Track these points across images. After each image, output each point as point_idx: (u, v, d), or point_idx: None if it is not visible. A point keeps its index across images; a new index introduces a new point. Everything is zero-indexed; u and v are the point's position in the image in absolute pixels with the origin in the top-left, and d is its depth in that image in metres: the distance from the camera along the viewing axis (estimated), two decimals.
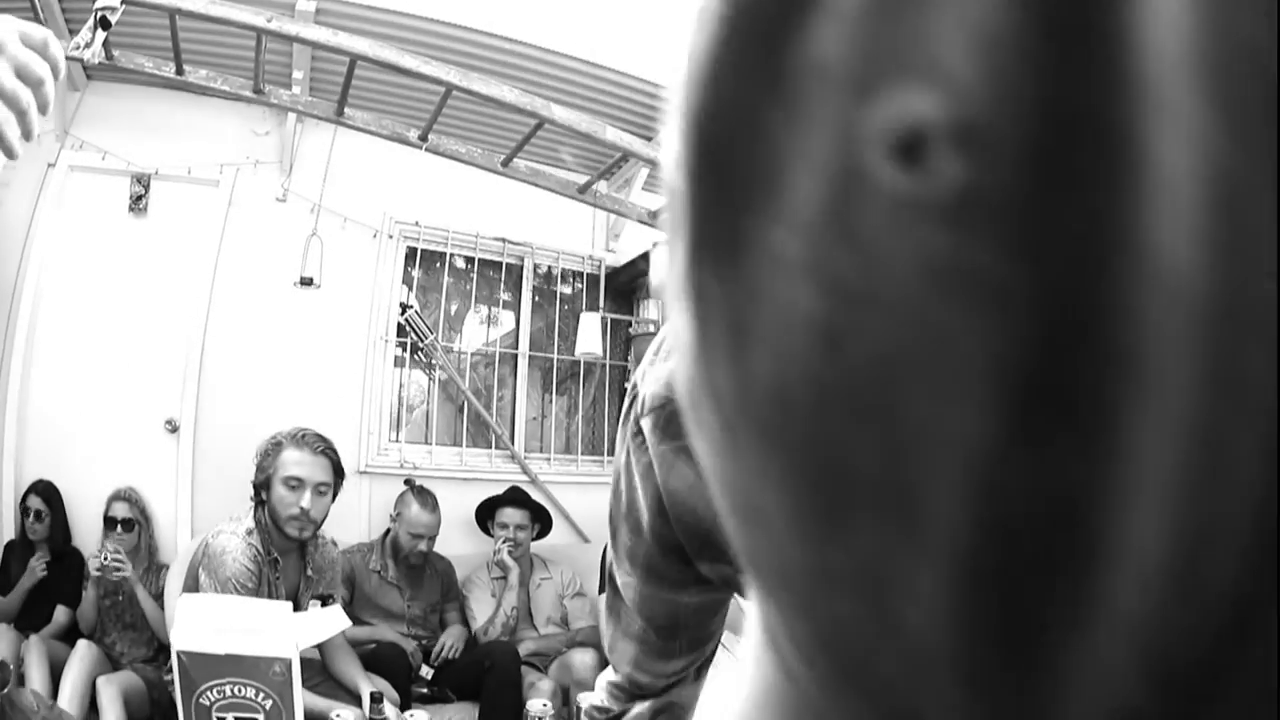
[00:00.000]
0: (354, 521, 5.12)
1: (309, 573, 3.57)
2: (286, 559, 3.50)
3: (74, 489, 4.79)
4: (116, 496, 4.61)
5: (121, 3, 3.63)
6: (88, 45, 3.67)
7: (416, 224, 5.79)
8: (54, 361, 5.10)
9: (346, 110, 4.72)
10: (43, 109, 1.20)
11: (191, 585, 3.38)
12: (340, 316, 5.57)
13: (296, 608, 3.36)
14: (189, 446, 5.13)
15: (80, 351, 5.11)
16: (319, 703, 3.00)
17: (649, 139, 5.37)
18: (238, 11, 3.93)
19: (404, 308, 5.70)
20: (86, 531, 4.72)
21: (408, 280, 5.84)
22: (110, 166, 5.21)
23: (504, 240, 6.00)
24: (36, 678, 4.01)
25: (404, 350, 5.81)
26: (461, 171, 5.25)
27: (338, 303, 5.54)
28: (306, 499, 3.40)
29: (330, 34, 4.12)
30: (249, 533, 3.36)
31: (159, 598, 4.31)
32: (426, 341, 5.70)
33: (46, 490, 4.72)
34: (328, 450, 3.59)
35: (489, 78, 4.45)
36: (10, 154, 1.13)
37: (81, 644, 4.08)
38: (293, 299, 5.34)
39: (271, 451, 3.53)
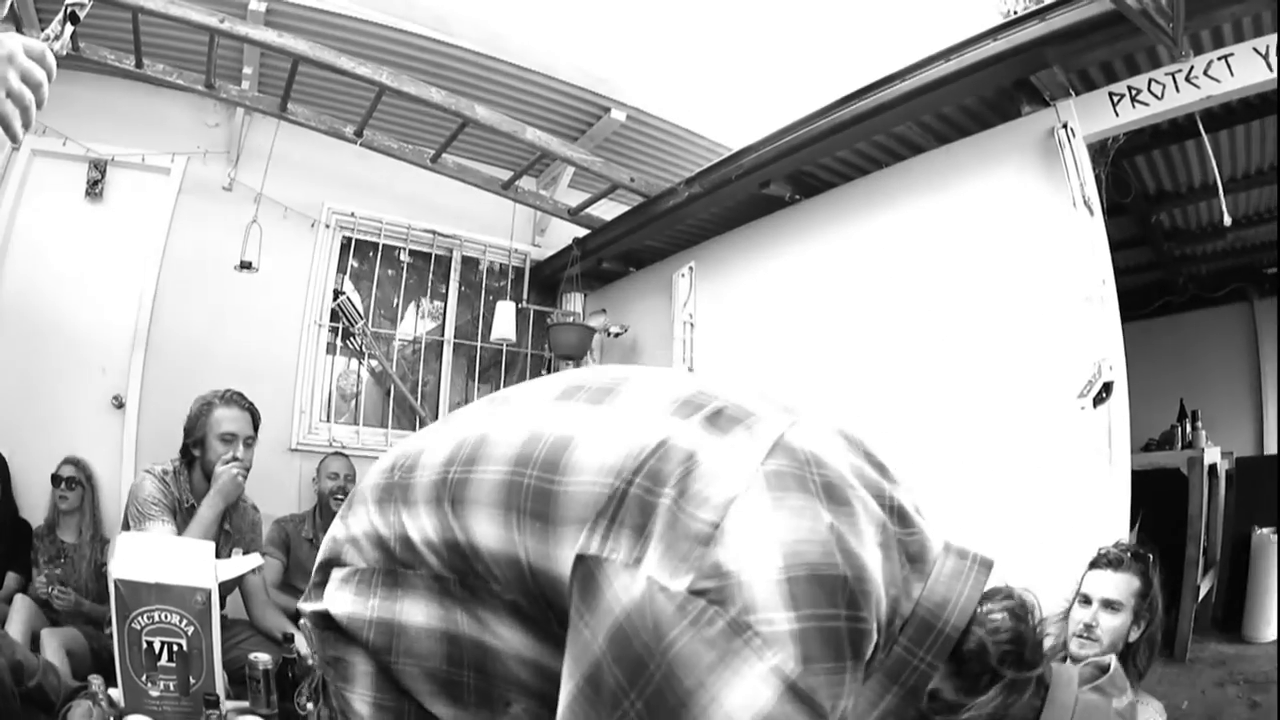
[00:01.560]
0: (287, 495, 5.97)
1: (227, 526, 4.24)
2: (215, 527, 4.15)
3: (24, 462, 5.46)
4: (66, 460, 5.28)
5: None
6: (57, 38, 4.16)
7: (352, 215, 6.70)
8: (8, 340, 5.77)
9: (290, 106, 5.79)
10: (40, 105, 1.55)
11: (125, 525, 4.00)
12: (278, 302, 6.41)
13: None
14: (134, 422, 5.85)
15: (34, 331, 5.80)
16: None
17: (574, 139, 6.50)
18: (193, 12, 4.89)
19: (336, 294, 6.57)
20: (35, 504, 5.39)
21: (342, 268, 6.70)
22: (71, 152, 5.98)
23: (434, 233, 6.94)
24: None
25: (336, 335, 6.62)
26: (398, 166, 6.28)
27: (276, 288, 6.37)
28: (240, 449, 4.15)
29: (275, 35, 5.15)
30: (164, 473, 4.10)
31: (102, 568, 4.80)
32: (357, 327, 6.60)
33: None
34: (251, 407, 4.32)
35: (419, 79, 5.49)
36: (15, 140, 1.51)
37: (19, 599, 4.64)
38: (235, 284, 6.06)
39: (204, 411, 4.22)
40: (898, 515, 1.21)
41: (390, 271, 6.98)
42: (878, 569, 1.10)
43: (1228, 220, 4.21)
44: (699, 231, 5.89)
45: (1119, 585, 2.98)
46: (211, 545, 3.09)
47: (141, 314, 6.01)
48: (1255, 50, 3.48)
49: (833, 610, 1.02)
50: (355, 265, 6.82)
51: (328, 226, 6.63)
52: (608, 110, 6.35)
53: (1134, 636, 2.97)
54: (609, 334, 6.52)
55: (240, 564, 3.68)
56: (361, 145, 5.98)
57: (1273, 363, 7.47)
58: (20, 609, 4.54)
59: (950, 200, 4.31)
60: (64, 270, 5.91)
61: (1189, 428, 6.71)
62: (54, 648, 3.72)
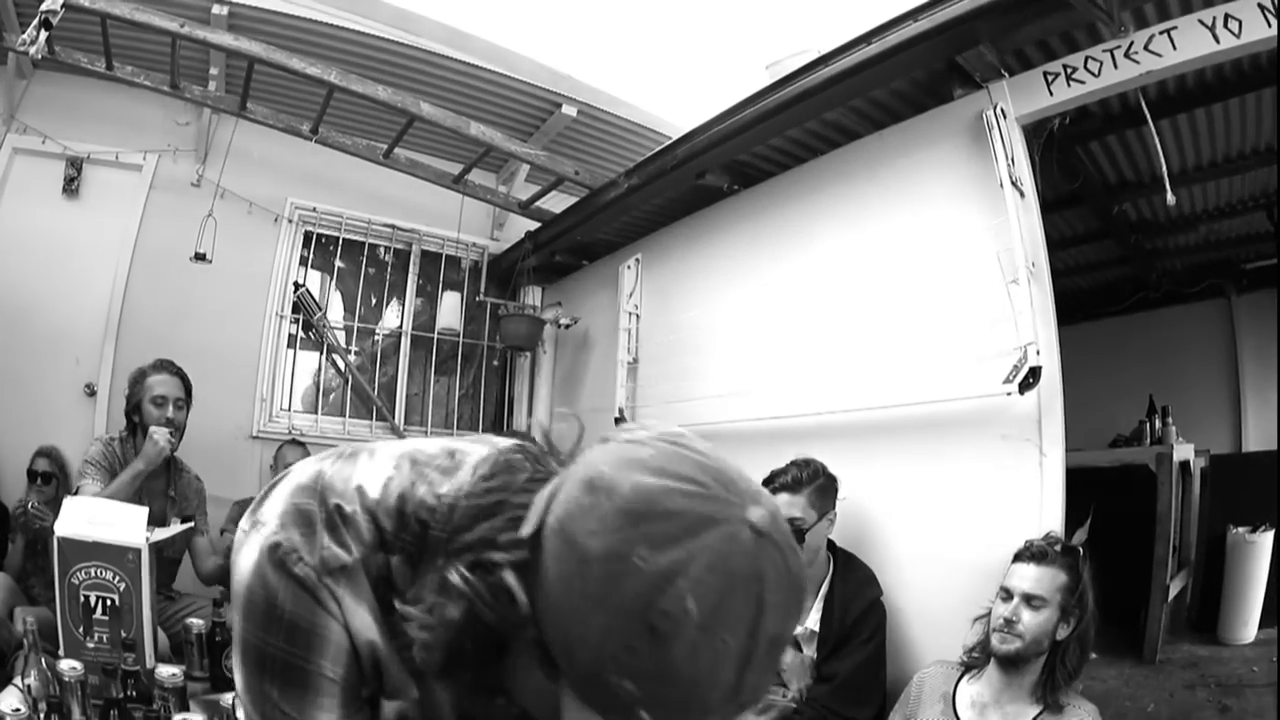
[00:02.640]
0: (248, 479, 5.78)
1: (171, 493, 4.32)
2: (153, 483, 4.21)
3: (2, 450, 5.39)
4: (39, 453, 5.02)
5: (62, 6, 4.41)
6: (32, 42, 4.42)
7: (314, 210, 6.48)
8: None
9: (250, 105, 5.55)
10: None
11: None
12: (243, 294, 6.23)
13: (163, 525, 4.08)
14: (105, 409, 5.70)
15: (11, 324, 5.72)
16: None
17: (528, 135, 6.19)
18: (156, 17, 4.74)
19: (296, 286, 6.39)
20: (11, 488, 5.24)
21: (304, 261, 6.53)
22: (49, 150, 5.87)
23: (394, 227, 6.68)
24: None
25: (297, 327, 6.47)
26: (358, 163, 6.01)
27: (241, 281, 6.20)
28: (170, 411, 4.25)
29: (232, 39, 4.93)
30: (111, 439, 4.30)
31: None
32: (316, 318, 6.40)
33: None
34: (180, 372, 4.39)
35: (370, 78, 5.20)
36: None
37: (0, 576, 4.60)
38: (202, 277, 5.94)
39: (138, 379, 4.34)
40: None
41: (350, 265, 6.75)
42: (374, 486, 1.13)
43: (1171, 200, 3.66)
44: (645, 224, 5.51)
45: (1042, 579, 2.71)
46: (144, 510, 3.11)
47: (113, 306, 5.89)
48: (1201, 22, 2.97)
49: (306, 500, 1.12)
50: (315, 258, 6.63)
51: (290, 221, 6.42)
52: (559, 106, 6.02)
53: (1062, 634, 2.69)
54: (560, 326, 6.22)
55: (172, 529, 3.75)
56: (317, 141, 5.72)
57: (1251, 360, 6.86)
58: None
59: (883, 186, 3.89)
60: (41, 265, 5.79)
61: (1159, 424, 6.21)
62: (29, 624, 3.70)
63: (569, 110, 6.01)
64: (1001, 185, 3.23)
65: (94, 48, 5.20)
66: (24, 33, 4.46)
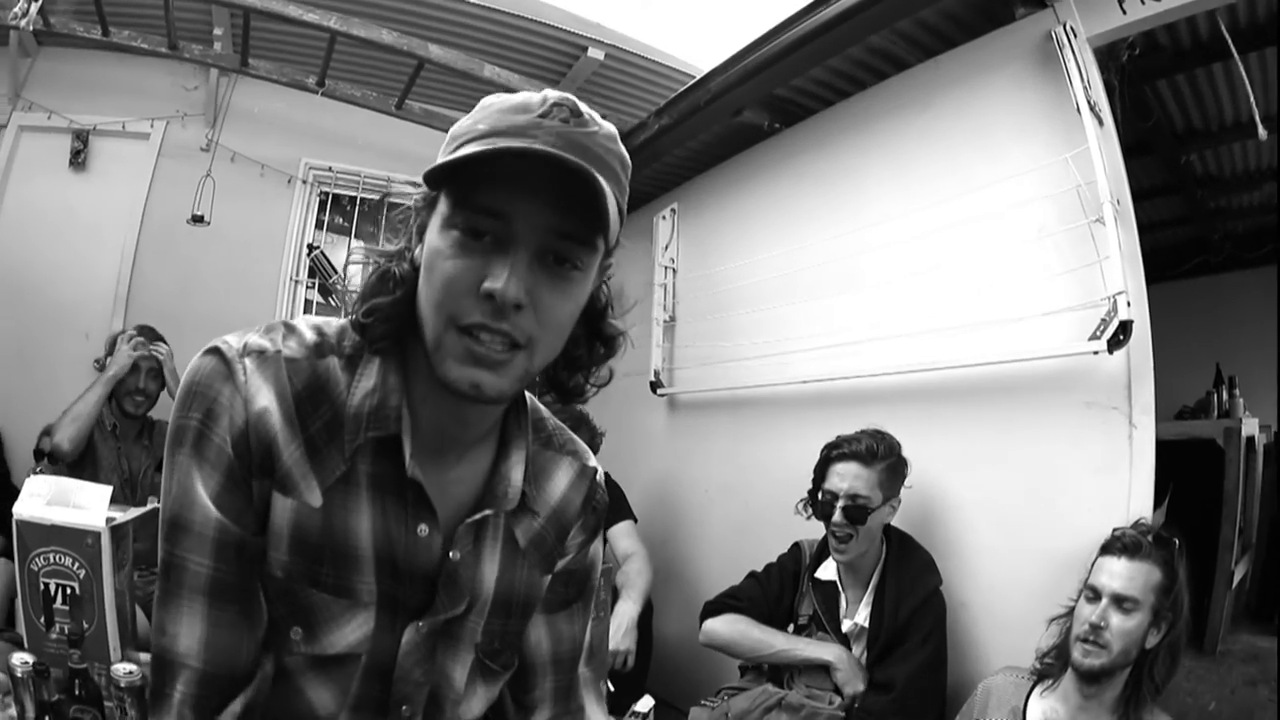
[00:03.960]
0: None
1: (145, 443, 4.44)
2: (133, 444, 4.41)
3: (15, 428, 5.41)
4: (46, 431, 4.94)
5: None
6: (24, 15, 4.32)
7: (330, 170, 6.23)
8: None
9: (251, 61, 5.26)
10: None
11: None
12: (256, 259, 6.06)
13: (137, 486, 4.37)
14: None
15: (21, 300, 5.69)
16: None
17: (555, 82, 5.76)
18: None
19: (311, 249, 6.18)
20: (22, 469, 5.23)
21: (320, 224, 6.32)
22: (54, 125, 5.77)
23: (414, 184, 6.22)
24: None
25: (315, 290, 6.26)
26: (374, 119, 5.73)
27: (254, 246, 6.04)
28: (140, 380, 4.35)
29: None
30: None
31: None
32: (332, 281, 6.14)
33: None
34: (149, 341, 4.44)
35: (369, 22, 4.86)
36: None
37: (2, 561, 4.57)
38: (213, 243, 5.82)
39: (114, 343, 4.48)
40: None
41: (369, 225, 6.51)
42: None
43: (1263, 134, 3.27)
44: (681, 170, 5.16)
45: (1135, 578, 2.34)
46: (108, 489, 2.77)
47: (121, 278, 5.82)
48: None
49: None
50: (332, 219, 6.42)
51: (305, 182, 6.19)
52: (585, 49, 5.62)
53: (1152, 642, 2.34)
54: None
55: (139, 510, 3.36)
56: (324, 95, 5.44)
57: None
58: (3, 570, 4.24)
59: (940, 119, 3.48)
60: (50, 240, 5.76)
61: (1225, 395, 5.74)
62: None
63: (596, 54, 5.62)
64: (1079, 110, 2.83)
65: (87, 16, 5.01)
66: (14, 7, 4.34)
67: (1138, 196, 2.88)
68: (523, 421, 1.33)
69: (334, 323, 1.25)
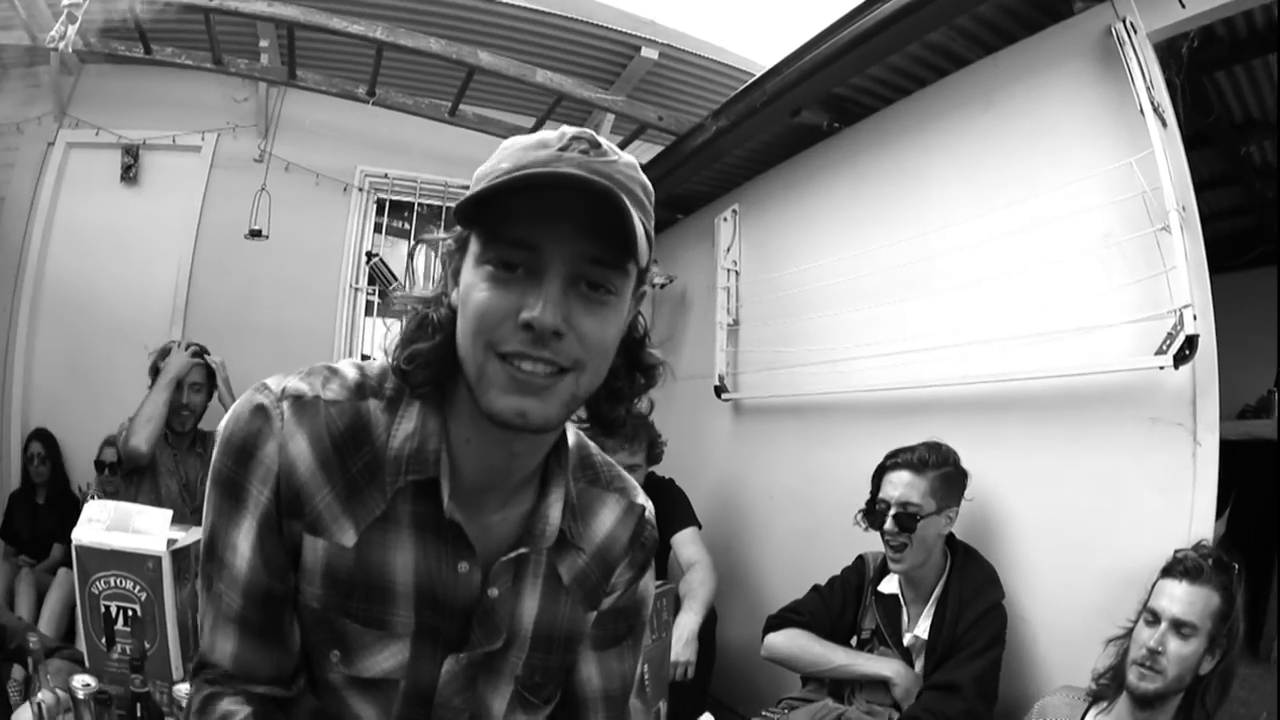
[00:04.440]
0: None
1: (199, 450, 4.68)
2: (187, 453, 4.64)
3: (72, 438, 5.78)
4: (108, 442, 5.35)
5: None
6: (61, 37, 4.56)
7: (386, 176, 6.49)
8: (55, 324, 6.09)
9: (300, 73, 5.51)
10: None
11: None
12: (314, 268, 6.34)
13: (195, 492, 4.55)
14: None
15: (79, 313, 6.04)
16: None
17: (609, 83, 5.97)
18: None
19: (369, 256, 6.44)
20: (83, 476, 5.61)
21: (379, 229, 6.60)
22: (103, 141, 6.10)
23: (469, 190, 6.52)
24: (24, 604, 4.95)
25: (375, 297, 6.53)
26: (428, 124, 5.95)
27: (311, 255, 6.32)
28: (184, 395, 4.55)
29: (265, 5, 4.89)
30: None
31: None
32: (392, 288, 6.27)
33: (44, 436, 5.77)
34: (200, 354, 4.66)
35: (422, 32, 5.06)
36: None
37: (61, 572, 4.96)
38: (270, 254, 6.08)
39: (160, 357, 4.64)
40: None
41: (431, 229, 6.56)
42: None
43: None
44: (741, 171, 5.26)
45: (1195, 603, 2.38)
46: (168, 513, 2.94)
47: (179, 290, 6.17)
48: None
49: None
50: (389, 225, 6.69)
51: (361, 190, 6.48)
52: (638, 49, 5.76)
53: (1206, 668, 2.39)
54: (654, 285, 5.89)
55: (198, 531, 3.59)
56: (375, 104, 5.69)
57: None
58: (62, 581, 4.81)
59: (1002, 118, 3.55)
60: (105, 253, 6.13)
61: None
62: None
63: (650, 53, 5.76)
64: (1142, 112, 2.87)
65: (132, 35, 5.24)
66: (52, 30, 4.59)
67: (1196, 188, 2.95)
68: (563, 460, 1.39)
69: (376, 365, 1.33)
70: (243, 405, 1.27)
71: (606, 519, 1.48)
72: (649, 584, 1.61)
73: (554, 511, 1.36)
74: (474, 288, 1.13)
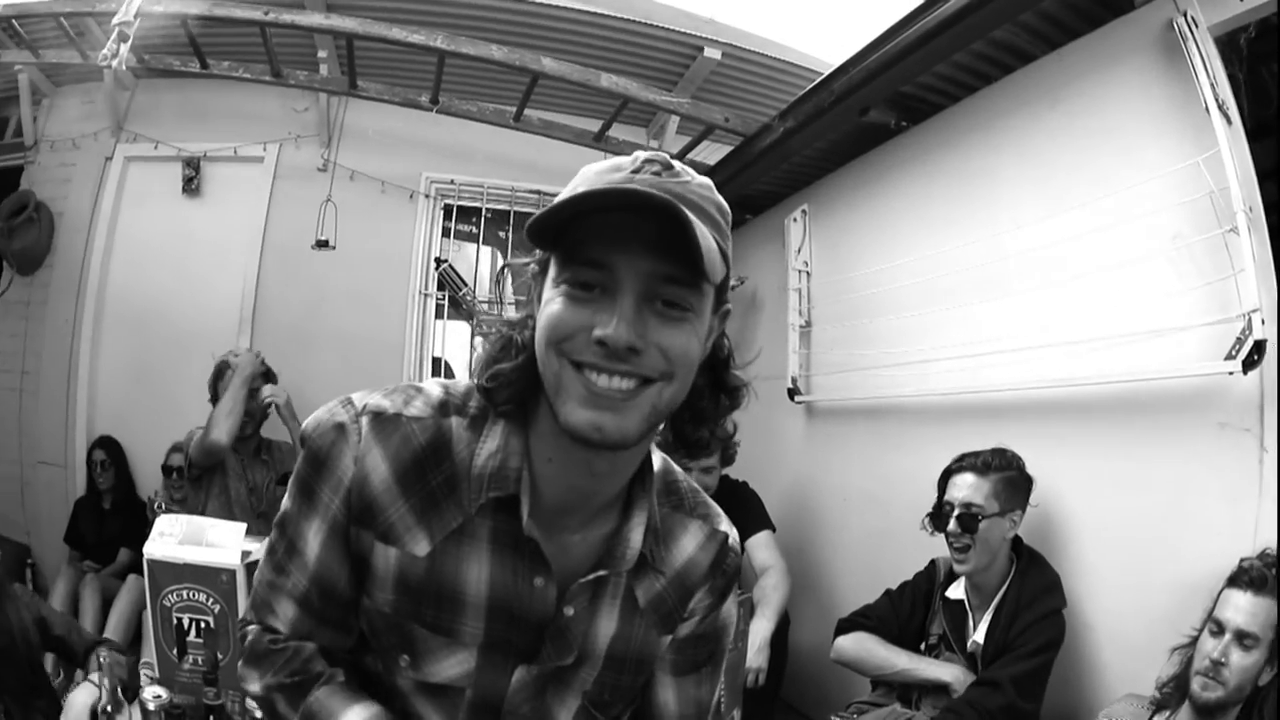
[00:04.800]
0: None
1: (264, 457, 5.08)
2: (252, 458, 5.01)
3: (139, 446, 6.09)
4: (175, 448, 5.59)
5: (135, 16, 4.69)
6: (114, 55, 4.76)
7: (452, 182, 6.69)
8: (119, 335, 6.41)
9: (361, 83, 5.71)
10: None
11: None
12: (381, 276, 6.56)
13: (262, 496, 4.87)
14: None
15: (143, 324, 6.36)
16: None
17: (671, 84, 6.13)
18: (238, 9, 4.99)
19: (439, 262, 6.64)
20: (150, 484, 5.88)
21: (446, 233, 6.82)
22: (162, 154, 6.37)
23: (539, 193, 6.75)
24: (89, 609, 5.20)
25: (445, 303, 6.75)
26: (492, 129, 6.12)
27: (379, 263, 6.54)
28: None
29: (322, 18, 5.10)
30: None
31: None
32: (461, 293, 6.62)
33: (109, 444, 6.07)
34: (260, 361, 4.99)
35: (483, 39, 5.24)
36: None
37: (131, 578, 5.23)
38: (336, 263, 6.32)
39: (220, 370, 5.01)
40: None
41: (494, 235, 6.95)
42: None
43: None
44: (810, 170, 5.37)
45: (1258, 614, 2.45)
46: (242, 526, 3.11)
47: (245, 299, 6.42)
48: None
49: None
50: (457, 231, 6.90)
51: (427, 196, 6.69)
52: (700, 49, 5.91)
53: (1265, 679, 2.47)
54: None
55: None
56: (438, 112, 5.85)
57: None
58: (131, 587, 5.09)
59: (1069, 115, 3.62)
60: (168, 264, 6.42)
61: None
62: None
63: (713, 53, 5.90)
64: (1207, 110, 2.93)
65: (186, 50, 5.46)
66: (103, 49, 4.79)
67: (1259, 180, 2.96)
68: (647, 485, 1.43)
69: (462, 385, 1.41)
70: (324, 415, 1.36)
71: (688, 545, 1.53)
72: (730, 611, 1.65)
73: (635, 535, 1.42)
74: (550, 304, 1.19)
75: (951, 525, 3.30)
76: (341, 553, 1.39)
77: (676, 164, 1.23)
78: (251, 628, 1.48)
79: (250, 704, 2.64)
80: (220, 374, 5.03)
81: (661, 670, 1.59)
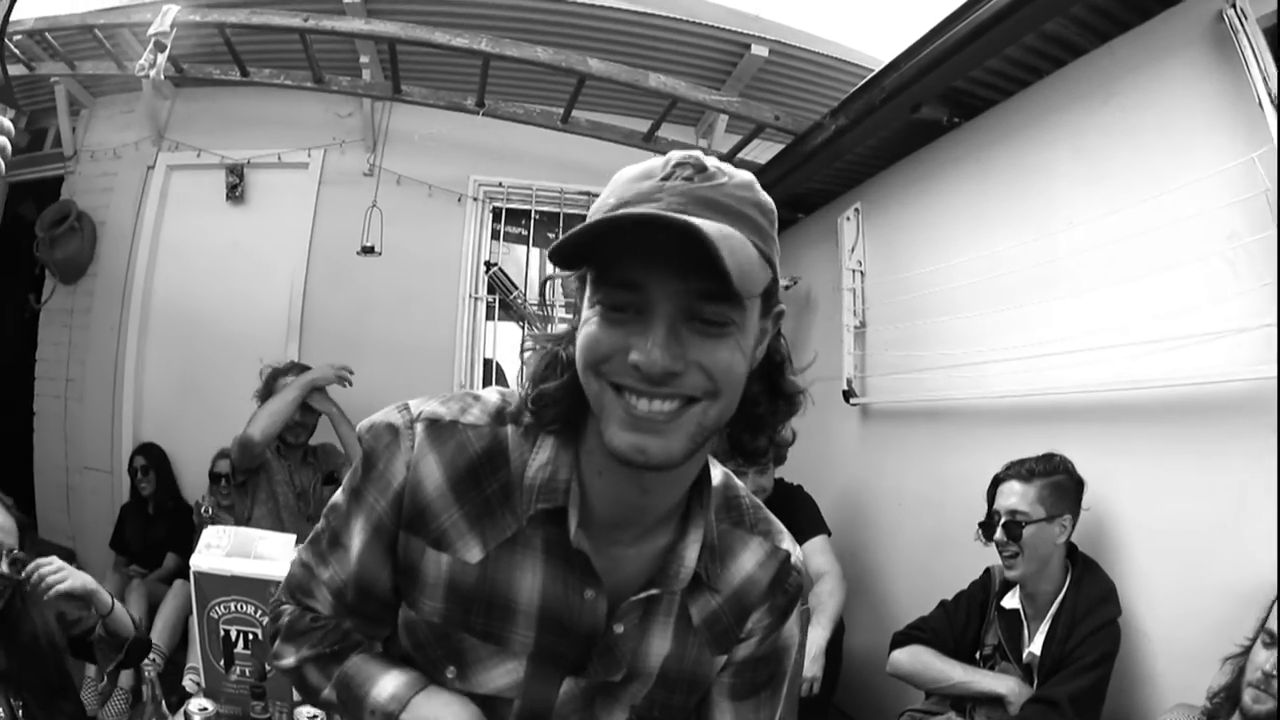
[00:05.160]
0: None
1: (310, 460, 5.31)
2: (300, 464, 5.19)
3: (186, 452, 6.32)
4: (221, 454, 5.76)
5: (171, 26, 4.87)
6: (151, 66, 4.95)
7: (500, 185, 6.88)
8: (164, 342, 6.68)
9: (405, 87, 5.87)
10: (3, 155, 1.98)
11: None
12: (430, 280, 6.74)
13: (310, 500, 5.00)
14: None
15: (190, 331, 6.61)
16: None
17: (719, 83, 6.27)
18: (276, 17, 5.15)
19: (488, 265, 6.83)
20: (198, 491, 6.04)
21: (494, 237, 6.99)
22: (205, 162, 6.61)
23: (588, 194, 6.86)
24: (134, 613, 5.23)
25: (495, 306, 6.92)
26: (539, 131, 6.26)
27: (427, 267, 6.72)
28: (300, 413, 5.07)
29: (363, 23, 5.26)
30: None
31: None
32: (512, 296, 6.80)
33: (149, 450, 6.30)
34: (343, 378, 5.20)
35: (522, 42, 5.37)
36: None
37: (178, 583, 5.40)
38: (384, 267, 6.50)
39: (270, 379, 5.22)
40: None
41: (550, 235, 7.06)
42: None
43: None
44: (862, 168, 5.45)
45: None
46: (292, 538, 3.17)
47: (293, 305, 6.62)
48: None
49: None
50: (506, 233, 7.05)
51: (475, 199, 6.87)
52: (748, 47, 6.03)
53: None
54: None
55: None
56: (484, 115, 5.98)
57: None
58: (177, 592, 5.25)
59: (1123, 110, 3.67)
60: (214, 271, 6.64)
61: None
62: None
63: (760, 51, 6.02)
64: (1260, 104, 2.97)
65: (225, 58, 5.63)
66: (140, 59, 4.97)
67: None
68: (705, 499, 1.44)
69: (518, 393, 1.42)
70: (380, 418, 1.42)
71: (747, 562, 1.53)
72: (792, 632, 1.64)
73: (690, 552, 1.42)
74: (586, 323, 1.20)
75: (998, 534, 3.41)
76: (382, 555, 1.45)
77: (711, 163, 1.21)
78: (287, 607, 1.59)
79: (299, 715, 2.73)
80: (271, 384, 5.25)
81: (719, 694, 1.59)
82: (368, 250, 6.41)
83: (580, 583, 1.39)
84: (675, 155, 1.21)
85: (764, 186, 1.25)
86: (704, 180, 1.17)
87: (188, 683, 4.50)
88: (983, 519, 3.56)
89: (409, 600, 1.46)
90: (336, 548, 1.51)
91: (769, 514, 1.61)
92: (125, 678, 5.01)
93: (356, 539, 1.46)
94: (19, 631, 3.06)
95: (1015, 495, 3.39)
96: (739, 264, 1.06)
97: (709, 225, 1.06)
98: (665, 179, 1.18)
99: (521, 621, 1.41)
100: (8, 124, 1.99)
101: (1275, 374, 2.75)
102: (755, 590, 1.53)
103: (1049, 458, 3.42)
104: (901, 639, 3.74)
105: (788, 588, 1.57)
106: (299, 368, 5.40)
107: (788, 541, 1.60)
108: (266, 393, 5.24)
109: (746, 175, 1.23)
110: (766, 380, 1.34)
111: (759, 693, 1.62)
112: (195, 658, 3.09)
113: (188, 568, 5.34)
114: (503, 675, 1.43)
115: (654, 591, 1.41)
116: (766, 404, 1.35)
